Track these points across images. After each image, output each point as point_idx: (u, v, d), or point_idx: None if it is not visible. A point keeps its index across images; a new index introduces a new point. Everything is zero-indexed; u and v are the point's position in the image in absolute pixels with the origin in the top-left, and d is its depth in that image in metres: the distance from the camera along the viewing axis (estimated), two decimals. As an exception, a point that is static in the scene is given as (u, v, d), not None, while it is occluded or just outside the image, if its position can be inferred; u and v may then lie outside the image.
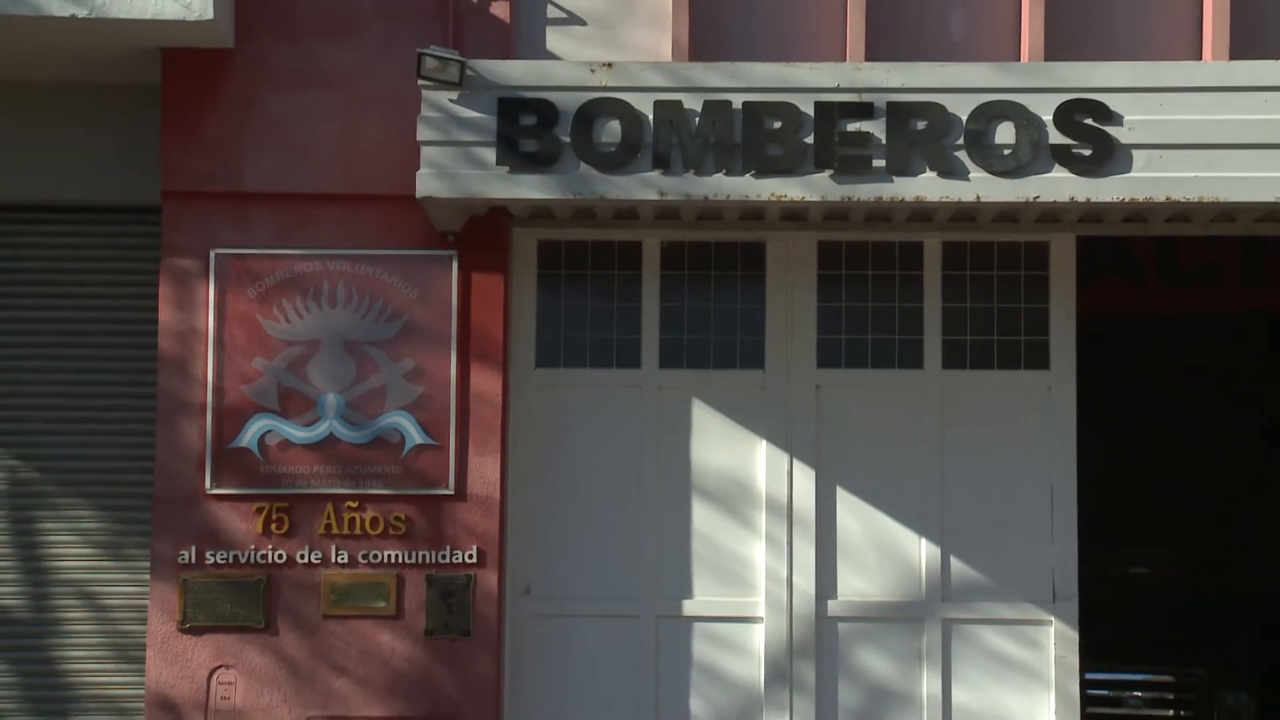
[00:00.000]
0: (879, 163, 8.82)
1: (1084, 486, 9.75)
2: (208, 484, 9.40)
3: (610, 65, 8.97)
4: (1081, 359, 9.76)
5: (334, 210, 9.53)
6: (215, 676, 9.36)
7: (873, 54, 9.48)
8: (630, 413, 9.76)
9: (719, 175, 8.86)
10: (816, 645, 9.63)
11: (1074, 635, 9.62)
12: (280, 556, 9.39)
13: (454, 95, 8.86)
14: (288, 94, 9.55)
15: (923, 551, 9.68)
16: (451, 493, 9.43)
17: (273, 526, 9.40)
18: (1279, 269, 12.68)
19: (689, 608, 9.67)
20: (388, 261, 9.52)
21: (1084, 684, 9.82)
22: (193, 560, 9.36)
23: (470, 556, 9.41)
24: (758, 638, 9.65)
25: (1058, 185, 8.78)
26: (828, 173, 8.82)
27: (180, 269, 9.49)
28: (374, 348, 9.48)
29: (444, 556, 9.41)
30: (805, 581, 9.63)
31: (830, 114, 8.82)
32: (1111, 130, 8.77)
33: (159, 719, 9.33)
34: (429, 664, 9.37)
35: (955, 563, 9.69)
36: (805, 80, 8.90)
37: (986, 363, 9.75)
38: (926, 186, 8.81)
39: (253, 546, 9.39)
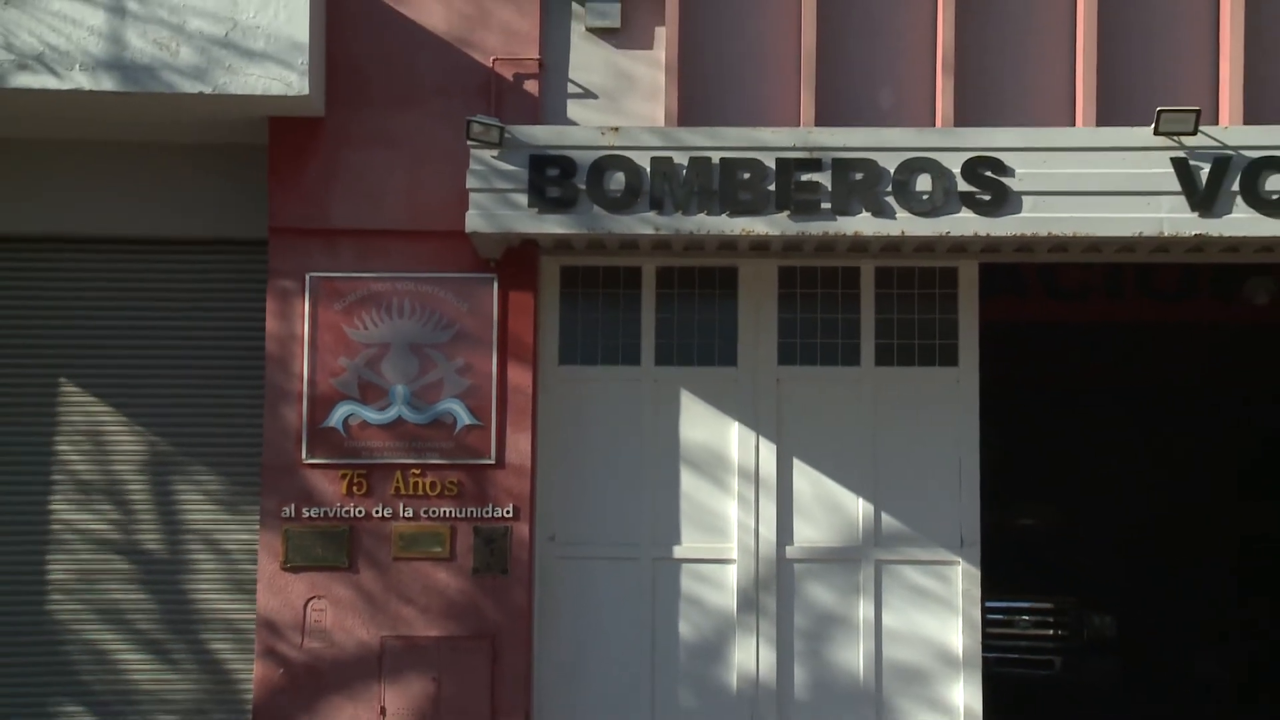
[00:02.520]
0: (826, 205, 8.80)
1: (985, 456, 9.72)
2: (304, 455, 9.37)
3: (616, 129, 8.97)
4: (983, 358, 9.72)
5: (401, 243, 9.47)
6: (310, 605, 9.34)
7: (821, 120, 9.41)
8: (632, 400, 9.69)
9: (701, 215, 8.84)
10: (777, 581, 9.56)
11: (976, 573, 9.56)
12: (360, 512, 9.36)
13: (495, 153, 8.85)
14: (366, 152, 9.48)
15: (859, 508, 9.62)
16: (493, 462, 9.39)
17: (354, 489, 9.36)
18: (1135, 288, 12.69)
19: (678, 552, 9.61)
20: (443, 282, 9.47)
21: (984, 610, 9.74)
22: (293, 515, 9.33)
23: (508, 512, 9.37)
24: (731, 575, 9.60)
25: (965, 223, 8.79)
26: (786, 213, 8.81)
27: (283, 288, 9.47)
28: (433, 349, 9.44)
29: (487, 512, 9.36)
30: (768, 531, 9.58)
31: (788, 167, 8.82)
32: (1006, 180, 8.77)
33: (266, 638, 9.33)
34: (476, 595, 9.35)
35: (885, 517, 9.63)
36: (768, 141, 8.89)
37: (909, 360, 9.69)
38: (863, 224, 8.82)
39: (339, 504, 9.35)
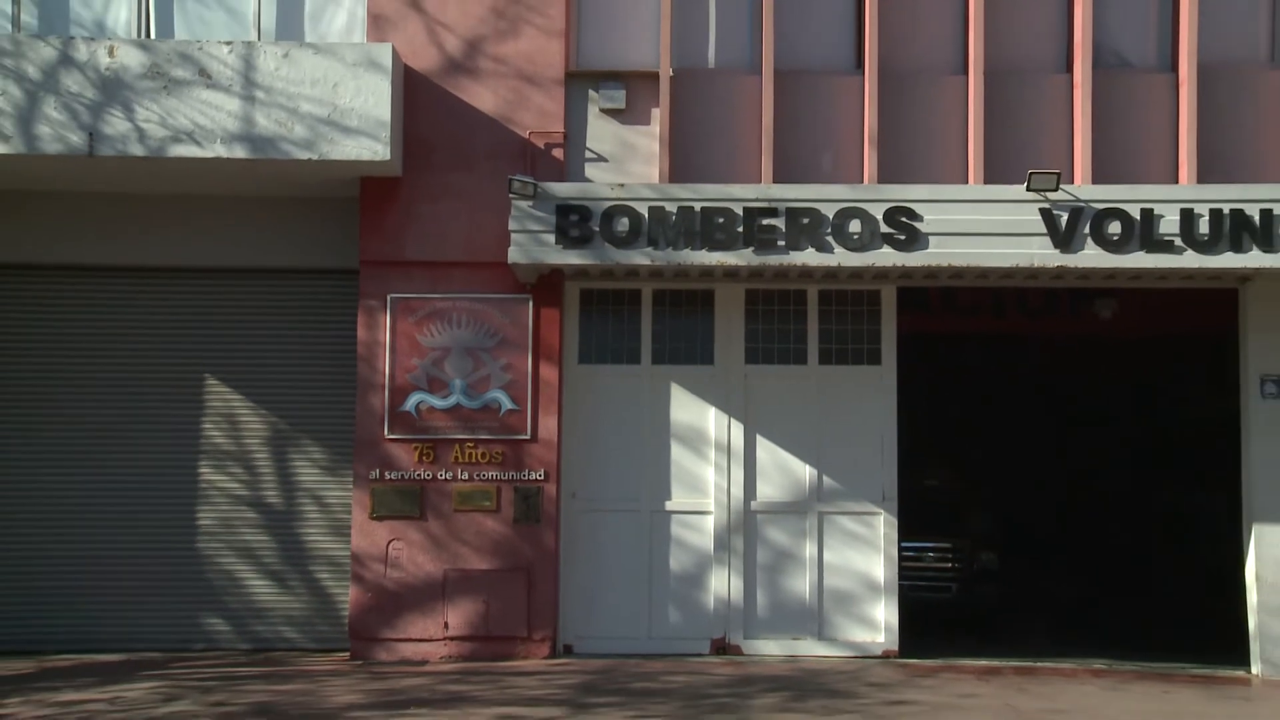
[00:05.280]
0: (781, 243, 8.91)
1: (901, 433, 9.76)
2: (386, 432, 9.46)
3: (622, 185, 9.09)
4: (900, 359, 9.76)
5: (460, 271, 9.55)
6: (391, 545, 9.41)
7: (777, 178, 9.54)
8: (634, 390, 9.74)
9: (686, 250, 8.93)
10: (744, 528, 9.63)
11: (894, 520, 9.67)
12: (428, 475, 9.43)
13: (530, 203, 8.94)
14: (433, 203, 9.57)
15: (807, 472, 9.71)
16: (529, 438, 9.46)
17: (424, 458, 9.43)
18: (1013, 306, 12.70)
19: (669, 505, 9.67)
20: (491, 301, 9.54)
21: (900, 550, 9.84)
22: (378, 477, 9.41)
23: (540, 476, 9.44)
24: (709, 524, 9.66)
25: (886, 257, 8.88)
26: (751, 249, 8.91)
27: (370, 306, 9.56)
28: (483, 352, 9.50)
29: (524, 475, 9.44)
30: (737, 490, 9.65)
31: (752, 214, 8.92)
32: (917, 224, 8.88)
33: (359, 570, 9.41)
34: (515, 539, 9.41)
35: (826, 479, 9.70)
36: (737, 194, 8.99)
37: (844, 361, 9.75)
38: (809, 257, 8.91)
39: (412, 469, 9.43)
